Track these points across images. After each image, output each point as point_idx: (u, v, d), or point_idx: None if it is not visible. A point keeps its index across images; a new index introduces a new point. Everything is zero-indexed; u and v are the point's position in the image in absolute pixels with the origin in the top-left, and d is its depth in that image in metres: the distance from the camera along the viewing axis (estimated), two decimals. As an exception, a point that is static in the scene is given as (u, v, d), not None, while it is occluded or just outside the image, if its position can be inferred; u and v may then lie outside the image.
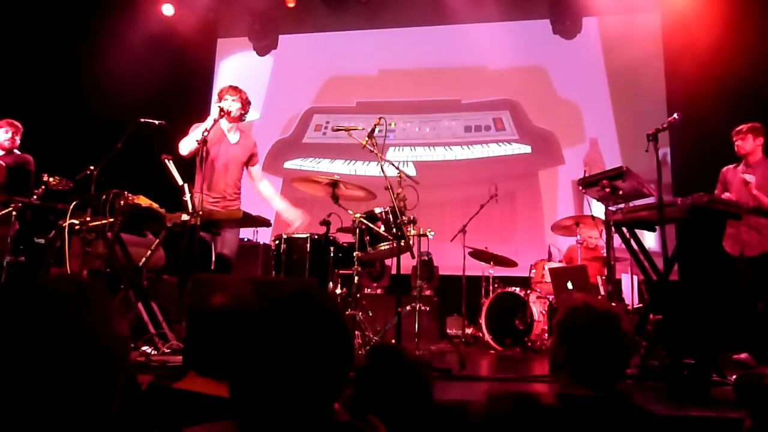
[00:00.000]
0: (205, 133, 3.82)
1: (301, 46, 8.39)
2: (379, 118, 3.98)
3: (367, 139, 3.92)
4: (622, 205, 3.70)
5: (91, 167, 3.94)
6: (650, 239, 5.05)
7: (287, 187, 7.05)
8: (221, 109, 3.99)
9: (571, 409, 1.51)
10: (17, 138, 5.09)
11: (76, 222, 3.77)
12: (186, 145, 4.02)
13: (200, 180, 3.88)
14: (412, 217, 3.93)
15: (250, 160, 4.35)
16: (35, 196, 4.53)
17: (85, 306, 0.71)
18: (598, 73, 7.38)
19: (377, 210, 3.99)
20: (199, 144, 3.81)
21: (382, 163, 3.84)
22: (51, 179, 4.50)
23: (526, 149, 7.46)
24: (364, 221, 3.92)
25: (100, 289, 0.76)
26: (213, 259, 4.12)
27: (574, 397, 1.56)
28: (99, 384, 0.69)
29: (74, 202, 3.75)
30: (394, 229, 3.83)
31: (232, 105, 4.14)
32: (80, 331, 0.68)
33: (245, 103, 4.24)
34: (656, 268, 3.59)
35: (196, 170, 4.05)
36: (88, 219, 3.76)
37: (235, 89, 4.21)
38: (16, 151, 5.11)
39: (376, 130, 3.95)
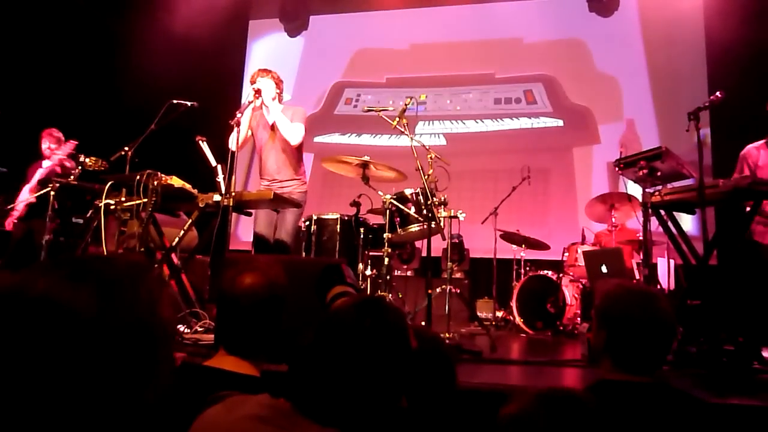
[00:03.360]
0: (239, 115, 3.82)
1: (332, 26, 8.34)
2: (410, 98, 3.92)
3: (397, 119, 3.87)
4: (659, 187, 3.59)
5: (126, 148, 4.00)
6: (686, 223, 4.91)
7: (318, 164, 7.05)
8: (256, 91, 4.00)
9: (615, 395, 1.48)
10: (54, 146, 5.34)
11: (112, 202, 3.84)
12: (232, 139, 3.96)
13: (251, 163, 3.90)
14: (443, 198, 3.88)
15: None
16: (72, 177, 4.64)
17: (136, 287, 0.70)
18: (636, 52, 7.16)
19: (408, 191, 3.95)
20: (232, 125, 3.81)
21: (413, 143, 3.79)
22: (87, 160, 4.59)
23: (558, 123, 7.30)
24: (395, 202, 3.89)
25: (153, 271, 0.75)
26: (271, 241, 4.13)
27: (617, 384, 1.52)
28: (139, 367, 0.69)
29: (109, 183, 3.81)
30: (425, 211, 3.79)
31: (265, 85, 4.13)
32: (130, 312, 0.68)
33: (278, 82, 4.23)
34: (695, 252, 3.49)
35: (233, 152, 4.01)
36: (123, 199, 3.83)
37: (264, 71, 4.22)
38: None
39: (409, 106, 3.89)
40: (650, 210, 3.51)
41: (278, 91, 4.21)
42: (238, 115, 3.82)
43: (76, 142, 5.15)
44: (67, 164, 5.27)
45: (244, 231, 7.31)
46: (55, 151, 5.28)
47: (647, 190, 3.55)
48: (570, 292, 5.18)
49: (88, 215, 4.39)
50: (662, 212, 3.55)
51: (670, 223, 3.57)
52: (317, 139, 7.86)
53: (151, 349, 0.70)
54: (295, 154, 4.24)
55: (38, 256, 4.77)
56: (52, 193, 4.52)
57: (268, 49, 8.52)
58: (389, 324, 1.01)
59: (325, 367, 0.98)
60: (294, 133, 4.10)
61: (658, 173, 3.49)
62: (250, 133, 4.22)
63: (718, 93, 3.42)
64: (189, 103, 4.12)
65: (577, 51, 7.34)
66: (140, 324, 0.69)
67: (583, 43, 7.35)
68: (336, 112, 8.10)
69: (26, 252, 5.19)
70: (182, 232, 3.98)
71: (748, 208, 3.39)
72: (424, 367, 1.42)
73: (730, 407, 2.10)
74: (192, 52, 7.31)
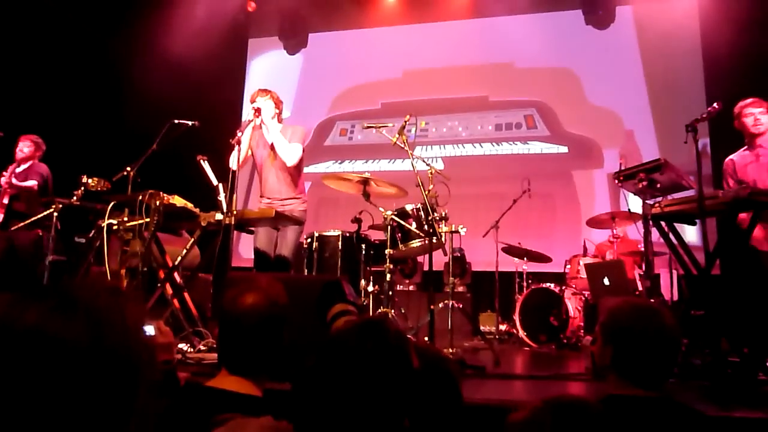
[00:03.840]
0: (239, 134, 3.85)
1: (331, 44, 8.41)
2: (409, 116, 3.95)
3: (397, 136, 3.90)
4: (660, 199, 3.59)
5: (128, 168, 4.03)
6: (690, 233, 4.91)
7: (314, 191, 7.06)
8: (255, 110, 4.03)
9: (622, 410, 1.49)
10: (28, 150, 5.36)
11: (114, 222, 3.86)
12: (233, 158, 3.96)
13: (252, 181, 3.90)
14: (444, 213, 3.89)
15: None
16: (75, 198, 4.66)
17: (122, 315, 0.71)
18: (633, 64, 7.21)
19: (408, 207, 3.97)
20: (232, 143, 3.83)
21: (413, 159, 3.82)
22: (90, 180, 4.61)
23: (563, 149, 7.32)
24: (396, 219, 3.91)
25: (132, 297, 0.76)
26: (272, 257, 4.13)
27: (625, 398, 1.53)
28: (126, 394, 0.69)
29: (112, 203, 3.83)
30: (426, 226, 3.80)
31: (265, 104, 4.15)
32: (118, 341, 0.69)
33: (278, 102, 4.23)
34: (697, 263, 3.48)
35: (234, 171, 4.00)
36: (125, 219, 3.85)
37: (264, 91, 4.23)
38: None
39: (407, 126, 3.93)
40: (651, 221, 3.51)
41: (277, 110, 4.20)
42: (239, 134, 3.85)
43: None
44: (19, 183, 5.26)
45: (245, 248, 7.31)
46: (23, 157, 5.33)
47: (647, 201, 3.56)
48: (573, 305, 5.17)
49: (91, 235, 4.40)
50: (663, 224, 3.55)
51: (671, 235, 3.57)
52: (312, 169, 7.76)
53: (136, 375, 0.70)
54: (295, 172, 4.23)
55: (34, 272, 4.74)
56: (55, 213, 4.54)
57: (268, 67, 8.59)
58: (391, 346, 1.01)
59: (327, 391, 0.98)
60: (291, 154, 4.10)
61: (658, 185, 3.50)
62: (250, 152, 4.24)
63: (715, 104, 3.44)
64: (190, 123, 4.16)
65: (570, 74, 7.38)
66: (127, 352, 0.70)
67: (577, 64, 7.39)
68: (327, 143, 8.07)
69: (9, 266, 5.07)
70: (184, 250, 3.99)
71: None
72: (428, 386, 1.42)
73: (734, 420, 2.09)
74: (192, 71, 7.37)
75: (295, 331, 1.68)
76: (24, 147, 5.36)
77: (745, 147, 4.02)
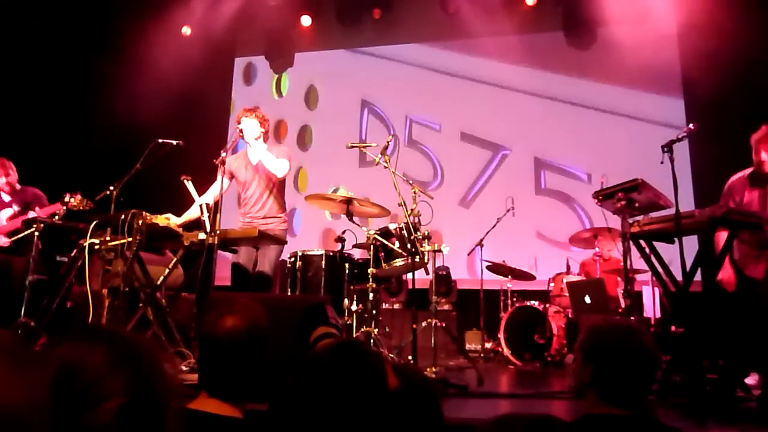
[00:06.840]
0: (223, 154, 3.86)
1: (317, 63, 8.48)
2: (391, 136, 4.00)
3: (380, 156, 3.93)
4: (639, 217, 3.65)
5: (111, 187, 4.01)
6: (673, 249, 4.97)
7: (303, 202, 7.09)
8: (240, 131, 4.04)
9: (600, 429, 1.51)
10: (13, 176, 5.07)
11: (96, 241, 3.83)
12: (214, 190, 4.10)
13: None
14: (426, 232, 3.92)
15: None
16: (57, 217, 4.63)
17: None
18: (614, 82, 7.33)
19: (391, 226, 3.99)
20: (216, 164, 3.84)
21: (395, 179, 3.85)
22: (72, 200, 4.60)
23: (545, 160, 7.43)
24: (379, 238, 3.92)
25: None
26: (251, 276, 4.13)
27: (603, 417, 1.55)
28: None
29: (94, 222, 3.81)
30: (409, 245, 3.82)
31: (249, 124, 4.13)
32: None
33: (263, 121, 4.18)
34: (675, 281, 3.53)
35: (218, 191, 4.00)
36: (107, 238, 3.83)
37: (249, 110, 4.19)
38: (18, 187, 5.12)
39: (390, 143, 3.97)
40: (630, 240, 3.57)
41: (263, 130, 4.17)
42: (223, 154, 3.86)
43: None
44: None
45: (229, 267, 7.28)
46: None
47: (627, 220, 3.61)
48: (556, 323, 5.20)
49: (73, 254, 4.37)
50: (642, 242, 3.60)
51: (650, 253, 3.62)
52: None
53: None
54: (278, 192, 4.22)
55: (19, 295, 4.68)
56: (36, 233, 4.50)
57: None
58: (366, 367, 1.03)
59: (303, 411, 0.99)
60: (279, 167, 4.09)
61: (636, 204, 3.55)
62: (228, 183, 4.24)
63: (691, 125, 3.52)
64: (175, 142, 4.15)
65: (557, 83, 7.51)
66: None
67: (562, 75, 7.52)
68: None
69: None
70: (167, 270, 3.97)
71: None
72: (407, 405, 1.43)
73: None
74: (178, 90, 7.37)
75: (277, 351, 1.68)
76: (10, 173, 5.04)
77: (752, 174, 3.83)
